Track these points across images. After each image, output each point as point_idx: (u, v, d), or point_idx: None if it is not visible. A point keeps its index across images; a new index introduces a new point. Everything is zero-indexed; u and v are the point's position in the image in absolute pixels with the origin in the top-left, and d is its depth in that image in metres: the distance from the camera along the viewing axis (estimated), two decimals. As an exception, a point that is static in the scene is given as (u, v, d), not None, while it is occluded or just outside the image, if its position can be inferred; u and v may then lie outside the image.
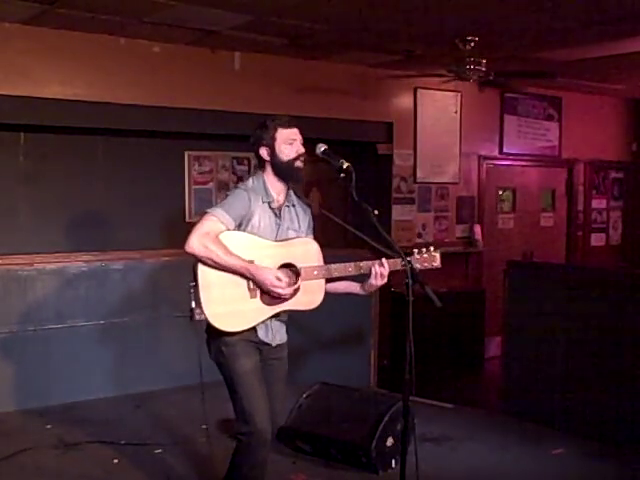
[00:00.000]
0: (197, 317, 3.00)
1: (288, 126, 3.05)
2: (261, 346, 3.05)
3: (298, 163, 3.04)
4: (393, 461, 4.04)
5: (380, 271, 2.98)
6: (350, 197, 2.93)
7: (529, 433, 4.79)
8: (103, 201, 5.74)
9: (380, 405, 4.16)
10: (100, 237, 5.69)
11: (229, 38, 5.28)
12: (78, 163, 5.65)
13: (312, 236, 3.19)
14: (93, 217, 5.71)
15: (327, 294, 3.07)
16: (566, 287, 4.92)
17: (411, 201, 6.99)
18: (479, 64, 5.48)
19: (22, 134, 5.40)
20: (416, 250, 3.09)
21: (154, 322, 5.73)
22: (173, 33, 5.15)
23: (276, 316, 3.03)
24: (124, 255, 5.69)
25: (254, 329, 2.99)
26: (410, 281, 2.76)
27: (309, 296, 3.02)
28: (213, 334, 3.01)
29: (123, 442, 4.44)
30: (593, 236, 8.57)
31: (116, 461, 4.18)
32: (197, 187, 6.19)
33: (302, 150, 3.05)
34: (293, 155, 3.02)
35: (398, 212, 6.85)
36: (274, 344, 3.08)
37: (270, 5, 4.46)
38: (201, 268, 2.89)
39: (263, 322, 3.00)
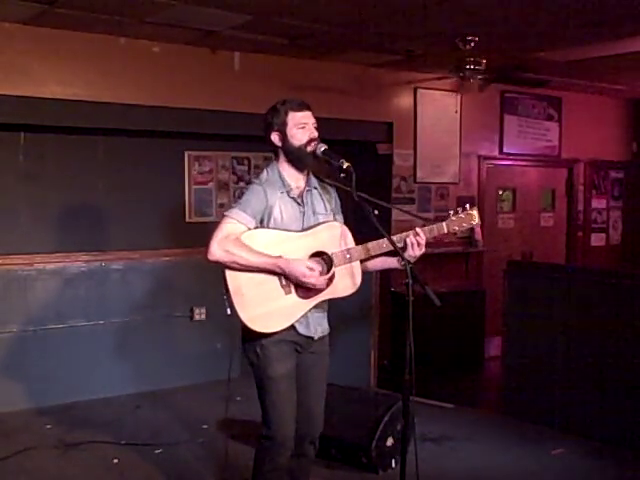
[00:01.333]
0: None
1: (300, 109, 2.93)
2: (301, 343, 2.94)
3: (311, 147, 2.91)
4: (393, 461, 4.04)
5: (417, 240, 2.88)
6: (350, 197, 2.90)
7: (529, 433, 4.80)
8: (103, 201, 5.74)
9: (380, 405, 4.16)
10: (100, 237, 5.69)
11: (229, 38, 5.28)
12: (78, 163, 5.65)
13: (341, 216, 3.09)
14: (93, 217, 5.71)
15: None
16: (566, 287, 4.92)
17: (411, 201, 6.99)
18: (479, 64, 5.48)
19: (22, 134, 5.39)
20: (451, 211, 2.98)
21: (154, 322, 5.73)
22: (173, 33, 5.15)
23: (315, 308, 2.92)
24: (124, 255, 5.69)
25: (293, 326, 2.89)
26: (410, 281, 2.70)
27: (346, 281, 2.92)
28: (250, 334, 2.90)
29: (123, 442, 4.45)
30: (593, 236, 8.57)
31: (116, 461, 4.19)
32: (197, 187, 6.19)
33: (315, 134, 2.94)
34: (305, 139, 2.91)
35: (398, 212, 6.83)
36: (316, 337, 2.97)
37: (270, 5, 4.46)
38: (228, 273, 2.79)
39: (303, 317, 2.89)
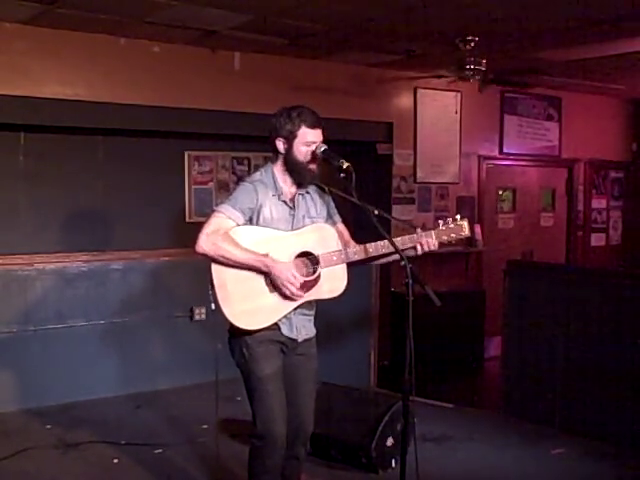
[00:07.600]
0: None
1: (313, 127, 2.88)
2: (286, 344, 2.95)
3: (312, 166, 2.92)
4: (393, 461, 4.03)
5: (423, 242, 2.90)
6: (349, 200, 2.90)
7: (529, 433, 4.79)
8: (103, 201, 5.74)
9: (380, 405, 4.16)
10: (100, 237, 5.69)
11: (229, 38, 5.28)
12: (78, 163, 5.65)
13: (334, 220, 3.07)
14: (93, 217, 5.71)
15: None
16: (566, 287, 4.91)
17: (411, 201, 6.99)
18: (479, 64, 5.49)
19: (22, 134, 5.39)
20: (441, 221, 2.96)
21: (154, 322, 5.73)
22: (173, 33, 5.15)
23: (300, 309, 2.93)
24: (124, 255, 5.69)
25: (277, 326, 2.90)
26: (410, 281, 2.69)
27: (331, 283, 2.92)
28: (235, 334, 2.92)
29: (123, 442, 4.45)
30: (593, 236, 8.57)
31: (116, 461, 4.19)
32: (197, 187, 6.19)
33: (317, 152, 2.90)
34: (309, 158, 2.90)
35: (398, 212, 6.85)
36: (300, 339, 2.98)
37: (270, 5, 4.46)
38: (214, 267, 2.82)
39: (285, 317, 2.90)
